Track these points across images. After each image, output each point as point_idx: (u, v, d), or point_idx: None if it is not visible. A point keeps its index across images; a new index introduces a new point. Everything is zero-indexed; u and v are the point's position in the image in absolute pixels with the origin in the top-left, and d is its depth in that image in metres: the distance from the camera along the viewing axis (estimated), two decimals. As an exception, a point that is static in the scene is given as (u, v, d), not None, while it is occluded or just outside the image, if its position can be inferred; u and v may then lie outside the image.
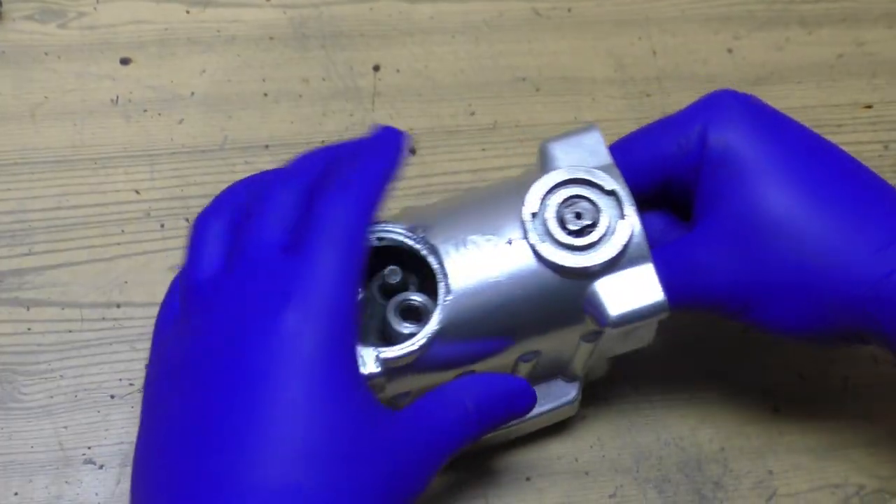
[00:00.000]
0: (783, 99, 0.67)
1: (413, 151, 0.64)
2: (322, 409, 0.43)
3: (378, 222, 0.49)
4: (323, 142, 0.63)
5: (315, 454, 0.42)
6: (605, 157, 0.51)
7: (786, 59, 0.69)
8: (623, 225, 0.49)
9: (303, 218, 0.46)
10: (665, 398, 0.60)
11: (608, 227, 0.49)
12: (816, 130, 0.67)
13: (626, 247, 0.49)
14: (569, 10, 0.68)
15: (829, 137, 0.66)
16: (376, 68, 0.65)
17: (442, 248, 0.49)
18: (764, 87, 0.67)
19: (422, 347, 0.48)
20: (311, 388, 0.43)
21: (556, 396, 0.55)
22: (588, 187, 0.49)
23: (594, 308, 0.49)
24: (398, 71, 0.66)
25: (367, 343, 0.47)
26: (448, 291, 0.48)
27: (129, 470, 0.55)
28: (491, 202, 0.50)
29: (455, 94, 0.65)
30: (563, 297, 0.49)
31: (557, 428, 0.58)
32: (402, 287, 0.50)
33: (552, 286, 0.49)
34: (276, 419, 0.42)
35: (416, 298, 0.49)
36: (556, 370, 0.54)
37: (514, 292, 0.49)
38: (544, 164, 0.51)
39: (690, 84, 0.67)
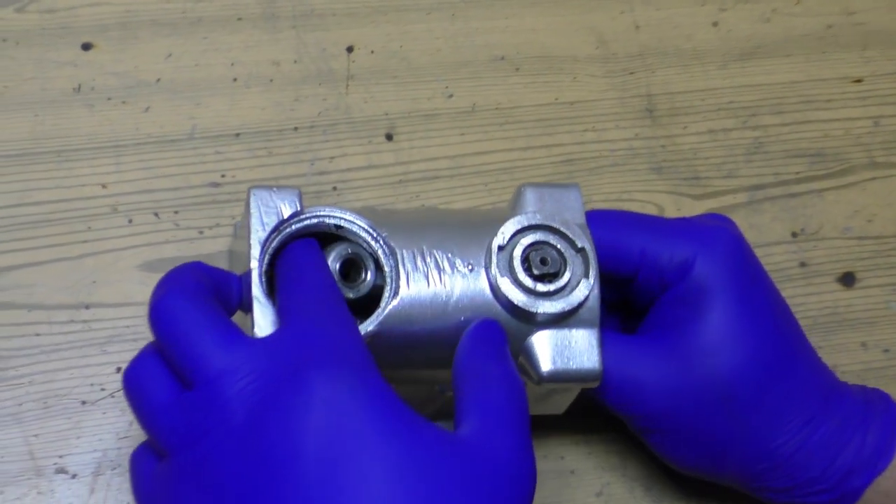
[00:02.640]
0: (769, 74, 0.65)
1: (390, 137, 0.61)
2: (421, 460, 0.40)
3: (341, 209, 0.49)
4: (296, 129, 0.61)
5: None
6: (580, 217, 0.50)
7: (773, 31, 0.66)
8: (583, 284, 0.48)
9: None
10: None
11: (569, 282, 0.49)
12: (805, 106, 0.66)
13: (580, 306, 0.48)
14: (548, -17, 0.65)
15: (818, 114, 0.65)
16: (349, 49, 0.63)
17: (399, 254, 0.48)
18: (750, 62, 0.65)
19: None
20: (396, 444, 0.40)
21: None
22: (560, 238, 0.49)
23: (530, 357, 0.49)
24: (372, 52, 0.63)
25: None
26: (395, 295, 0.47)
27: (102, 479, 0.54)
28: (460, 225, 0.49)
29: (431, 75, 0.63)
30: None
31: (541, 425, 0.57)
32: None
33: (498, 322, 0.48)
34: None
35: (368, 268, 0.48)
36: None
37: (458, 316, 0.48)
38: (519, 205, 0.51)
39: (675, 60, 0.65)
